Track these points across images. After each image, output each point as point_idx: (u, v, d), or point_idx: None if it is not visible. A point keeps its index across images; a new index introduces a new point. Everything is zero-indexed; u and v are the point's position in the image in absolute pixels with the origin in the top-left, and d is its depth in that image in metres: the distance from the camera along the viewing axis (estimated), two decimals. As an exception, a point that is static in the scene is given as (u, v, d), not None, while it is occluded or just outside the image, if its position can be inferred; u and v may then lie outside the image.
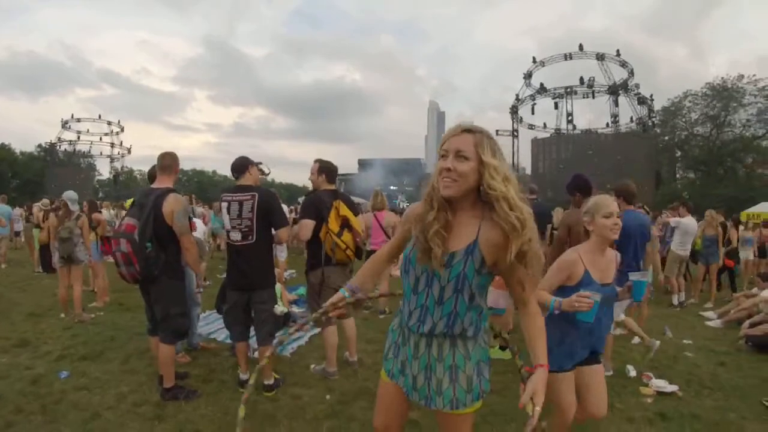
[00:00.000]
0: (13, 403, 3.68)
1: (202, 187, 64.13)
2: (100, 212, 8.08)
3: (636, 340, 5.27)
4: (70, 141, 46.40)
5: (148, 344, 4.86)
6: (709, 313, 7.04)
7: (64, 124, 45.66)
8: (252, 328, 4.03)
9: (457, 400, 1.73)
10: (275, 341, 3.07)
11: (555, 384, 2.42)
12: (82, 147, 47.42)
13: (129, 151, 47.94)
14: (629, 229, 3.77)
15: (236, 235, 3.77)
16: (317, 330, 5.11)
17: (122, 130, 47.42)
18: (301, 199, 8.78)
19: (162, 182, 3.82)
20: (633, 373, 4.38)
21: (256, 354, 4.25)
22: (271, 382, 3.95)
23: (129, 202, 8.47)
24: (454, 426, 1.81)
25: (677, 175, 46.39)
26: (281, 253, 8.76)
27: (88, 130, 46.10)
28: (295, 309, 5.87)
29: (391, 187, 49.76)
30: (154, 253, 3.58)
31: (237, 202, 3.75)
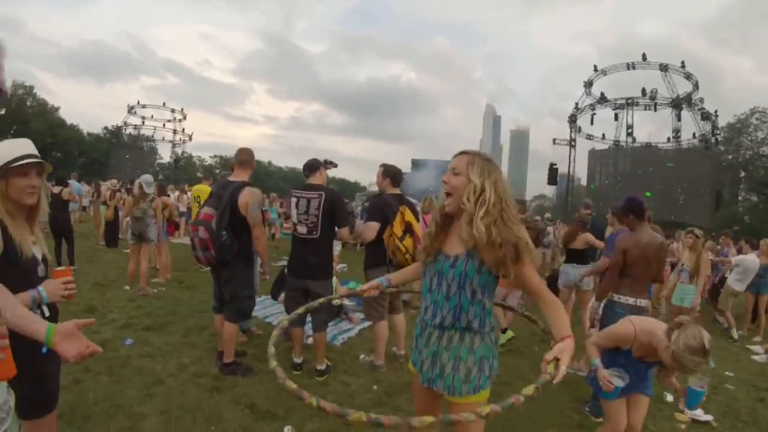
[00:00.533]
0: (82, 363, 4.02)
1: (257, 176, 65.72)
2: (168, 196, 8.54)
3: None
4: (135, 125, 48.45)
5: (207, 321, 5.23)
6: (756, 347, 6.77)
7: (130, 110, 47.77)
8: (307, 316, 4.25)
9: (453, 387, 1.97)
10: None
11: (611, 405, 2.76)
12: (145, 131, 49.42)
13: (190, 138, 49.71)
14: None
15: (302, 229, 4.03)
16: (368, 323, 5.30)
17: (185, 117, 49.22)
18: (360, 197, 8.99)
19: (239, 176, 4.13)
20: (670, 398, 4.31)
21: (310, 340, 4.46)
22: (323, 367, 4.19)
23: (195, 188, 8.96)
24: (453, 411, 1.97)
25: (740, 197, 44.05)
26: (335, 247, 9.01)
27: (152, 116, 48.05)
28: (346, 302, 6.08)
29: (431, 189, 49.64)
30: (228, 241, 3.87)
31: (305, 199, 4.01)
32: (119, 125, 49.39)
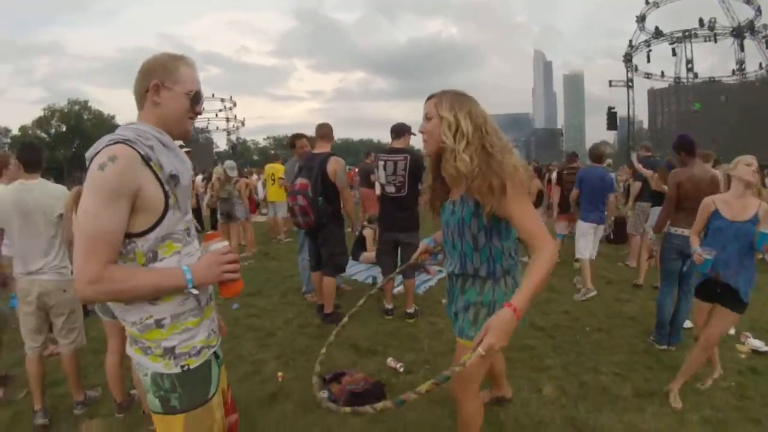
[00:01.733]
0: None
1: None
2: (248, 178, 9.32)
3: None
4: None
5: (298, 283, 5.91)
6: None
7: (182, 106, 50.36)
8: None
9: (462, 329, 2.09)
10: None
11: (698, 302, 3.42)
12: (199, 124, 51.46)
13: (242, 123, 51.67)
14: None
15: (390, 188, 4.59)
16: (444, 273, 5.87)
17: (234, 105, 51.07)
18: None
19: (322, 147, 4.73)
20: (732, 331, 4.37)
21: (401, 287, 5.06)
22: (412, 310, 4.81)
23: (268, 167, 9.68)
24: (459, 352, 2.14)
25: None
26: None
27: (204, 108, 50.13)
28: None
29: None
30: (324, 205, 4.49)
31: (392, 162, 4.55)
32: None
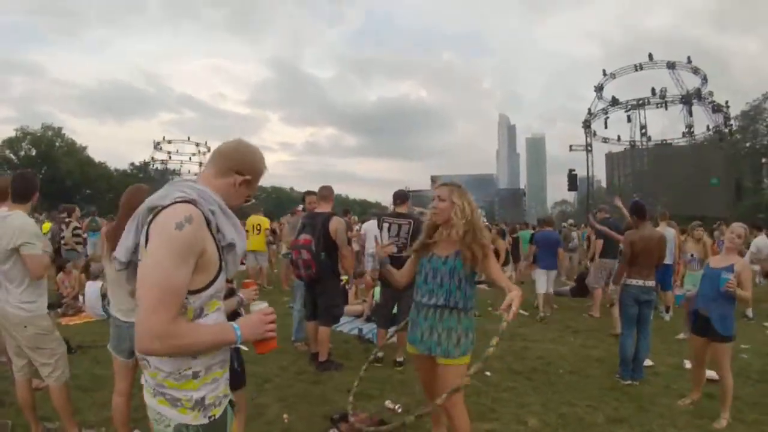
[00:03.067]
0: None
1: (280, 202, 67.20)
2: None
3: None
4: (162, 160, 50.45)
5: (287, 332, 6.11)
6: None
7: (156, 145, 49.95)
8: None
9: (448, 351, 2.77)
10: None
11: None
12: (172, 165, 51.34)
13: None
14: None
15: (393, 249, 5.01)
16: None
17: (209, 149, 51.16)
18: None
19: (323, 207, 5.22)
20: (689, 365, 5.07)
21: (394, 339, 5.44)
22: (402, 359, 5.17)
23: (251, 219, 10.06)
24: (444, 371, 2.79)
25: (763, 184, 43.55)
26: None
27: (177, 151, 50.05)
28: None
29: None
30: (325, 260, 4.92)
31: (397, 225, 5.09)
32: (146, 161, 51.48)
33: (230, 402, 1.63)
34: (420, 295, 2.92)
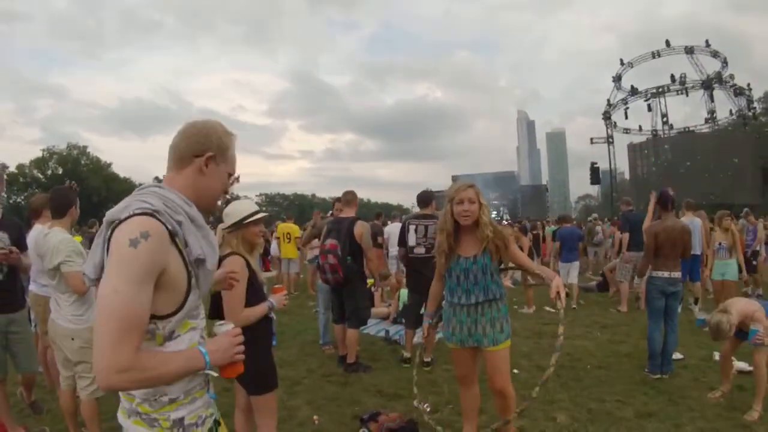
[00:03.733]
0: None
1: (302, 209, 67.81)
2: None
3: None
4: (186, 174, 51.36)
5: (314, 336, 6.28)
6: None
7: (180, 159, 50.79)
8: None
9: (495, 339, 3.01)
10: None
11: None
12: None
13: (238, 180, 52.13)
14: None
15: (420, 250, 5.17)
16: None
17: (231, 160, 51.98)
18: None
19: (348, 212, 5.31)
20: (718, 357, 5.02)
21: (420, 339, 5.49)
22: (429, 359, 5.23)
23: (282, 226, 10.28)
24: (495, 357, 3.04)
25: None
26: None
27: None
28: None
29: (493, 201, 50.01)
30: (351, 264, 5.02)
31: (423, 226, 5.17)
32: (172, 175, 52.38)
33: (216, 422, 1.55)
34: (456, 296, 3.09)
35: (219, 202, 1.57)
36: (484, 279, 2.99)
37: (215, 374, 1.43)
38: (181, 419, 1.37)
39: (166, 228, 1.27)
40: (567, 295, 7.98)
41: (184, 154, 1.42)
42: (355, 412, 3.97)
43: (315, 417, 3.92)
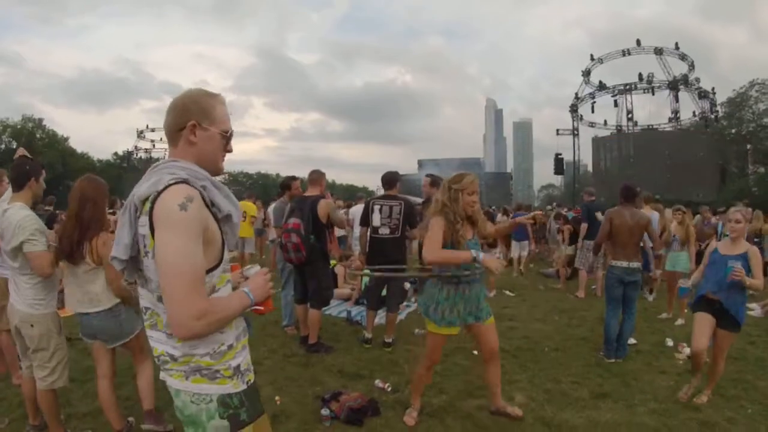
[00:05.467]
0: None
1: (266, 189, 66.96)
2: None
3: (679, 321, 6.34)
4: (146, 149, 49.73)
5: (276, 316, 6.14)
6: (753, 305, 7.28)
7: (140, 134, 49.08)
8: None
9: (488, 312, 3.39)
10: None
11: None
12: (156, 154, 50.53)
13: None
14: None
15: (385, 230, 5.17)
16: (413, 308, 6.66)
17: (194, 137, 50.60)
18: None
19: (312, 191, 5.25)
20: (670, 343, 5.39)
21: (382, 320, 5.57)
22: (390, 340, 5.26)
23: (240, 204, 10.06)
24: (490, 328, 3.40)
25: (748, 170, 44.29)
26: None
27: (161, 139, 49.30)
28: (407, 285, 7.10)
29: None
30: (314, 243, 4.97)
31: (388, 206, 5.17)
32: (129, 150, 50.70)
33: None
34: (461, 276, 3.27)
35: (223, 162, 1.63)
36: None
37: (261, 308, 1.63)
38: (238, 366, 1.54)
39: (200, 192, 1.43)
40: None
41: (171, 131, 1.53)
42: (317, 392, 3.96)
43: (277, 397, 3.88)
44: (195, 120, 1.50)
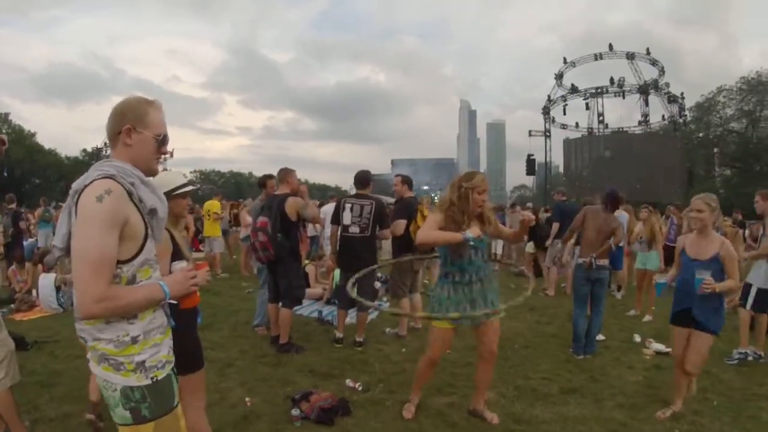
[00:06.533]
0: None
1: (240, 188, 66.24)
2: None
3: (647, 318, 6.51)
4: (115, 146, 48.80)
5: (247, 317, 6.17)
6: None
7: (110, 130, 48.10)
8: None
9: (496, 305, 3.37)
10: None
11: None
12: (127, 153, 49.49)
13: (171, 155, 50.07)
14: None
15: (355, 229, 5.15)
16: (386, 306, 6.60)
17: (164, 134, 49.78)
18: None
19: (282, 189, 5.20)
20: (638, 339, 5.53)
21: (354, 319, 5.54)
22: (361, 339, 5.25)
23: (207, 204, 9.91)
24: (493, 329, 3.45)
25: (715, 172, 45.77)
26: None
27: (173, 150, 48.40)
28: (378, 285, 7.09)
29: (424, 187, 50.56)
30: (282, 241, 4.91)
31: (359, 205, 5.15)
32: (99, 147, 49.56)
33: (174, 371, 1.77)
34: (467, 275, 3.32)
35: (158, 164, 1.78)
36: (486, 257, 3.38)
37: (174, 302, 1.72)
38: (143, 362, 1.61)
39: (124, 188, 1.55)
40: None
41: (110, 134, 1.67)
42: (288, 392, 3.91)
43: (247, 399, 3.82)
44: (130, 125, 1.64)
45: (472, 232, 3.12)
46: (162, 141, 1.73)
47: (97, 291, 1.45)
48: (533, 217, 3.32)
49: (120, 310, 1.53)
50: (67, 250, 1.62)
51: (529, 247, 9.69)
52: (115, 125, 1.65)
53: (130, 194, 1.57)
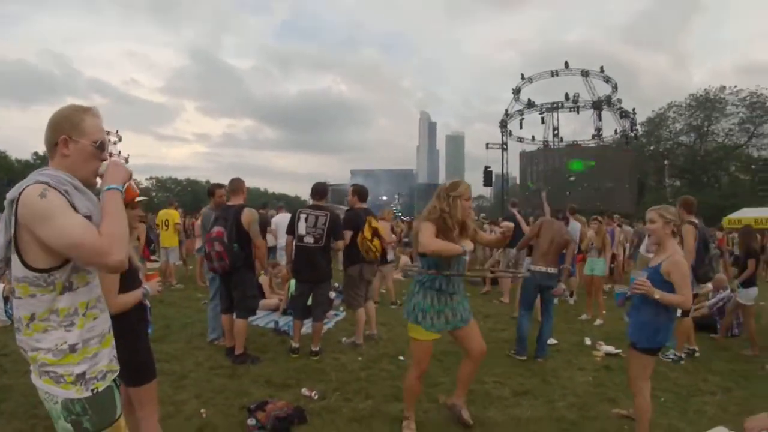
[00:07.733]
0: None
1: (196, 196, 64.76)
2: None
3: (598, 321, 6.78)
4: (68, 149, 47.14)
5: (201, 328, 6.04)
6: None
7: (63, 133, 46.43)
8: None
9: (470, 314, 3.50)
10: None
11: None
12: (79, 155, 47.84)
13: (126, 160, 48.84)
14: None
15: (309, 239, 5.15)
16: (342, 316, 6.58)
17: (120, 140, 48.36)
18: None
19: (236, 200, 5.14)
20: (589, 342, 5.77)
21: (309, 329, 5.52)
22: (317, 349, 5.22)
23: (162, 213, 9.71)
24: (476, 328, 3.59)
25: (665, 183, 48.03)
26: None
27: (111, 154, 46.73)
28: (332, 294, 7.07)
29: (383, 198, 50.79)
30: (237, 251, 4.86)
31: (314, 216, 5.15)
32: (50, 150, 47.79)
33: (116, 381, 1.76)
34: (452, 285, 3.38)
35: (98, 170, 1.71)
36: (465, 264, 3.49)
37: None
38: (83, 374, 1.59)
39: (59, 192, 1.50)
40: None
41: (48, 145, 1.64)
42: (244, 403, 3.86)
43: (202, 410, 3.76)
44: (66, 135, 1.61)
45: (467, 245, 3.30)
46: (100, 147, 1.69)
47: (104, 244, 1.47)
48: (512, 225, 3.60)
49: (125, 235, 1.57)
50: (6, 261, 1.59)
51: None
52: (51, 136, 1.63)
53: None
